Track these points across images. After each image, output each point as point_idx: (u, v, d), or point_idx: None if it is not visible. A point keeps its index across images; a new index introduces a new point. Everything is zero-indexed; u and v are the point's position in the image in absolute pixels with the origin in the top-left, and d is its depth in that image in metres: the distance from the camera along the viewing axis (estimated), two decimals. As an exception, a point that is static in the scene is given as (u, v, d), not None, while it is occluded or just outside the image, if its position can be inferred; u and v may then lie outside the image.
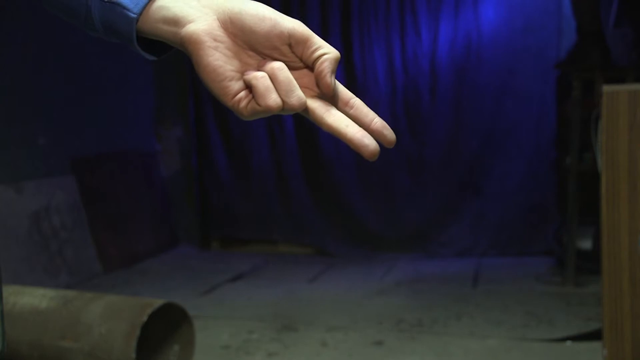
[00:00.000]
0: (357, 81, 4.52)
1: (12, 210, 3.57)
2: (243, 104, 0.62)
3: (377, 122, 0.63)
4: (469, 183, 4.43)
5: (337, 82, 0.63)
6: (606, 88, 1.60)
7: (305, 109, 0.63)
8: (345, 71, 4.52)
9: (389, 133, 0.63)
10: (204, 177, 4.92)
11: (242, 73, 0.62)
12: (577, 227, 3.63)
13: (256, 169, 4.76)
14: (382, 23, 4.46)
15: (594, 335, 2.73)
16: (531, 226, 4.32)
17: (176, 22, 0.62)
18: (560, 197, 4.15)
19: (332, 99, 0.64)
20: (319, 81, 0.62)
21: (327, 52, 0.62)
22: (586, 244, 3.78)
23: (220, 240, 4.93)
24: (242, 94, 0.62)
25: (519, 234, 4.34)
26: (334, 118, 0.63)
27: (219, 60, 0.61)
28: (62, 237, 3.85)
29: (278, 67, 0.61)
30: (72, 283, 3.77)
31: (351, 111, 0.64)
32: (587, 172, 3.41)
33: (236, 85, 0.62)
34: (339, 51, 0.65)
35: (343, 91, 0.64)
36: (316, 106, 0.63)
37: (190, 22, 0.62)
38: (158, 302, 2.24)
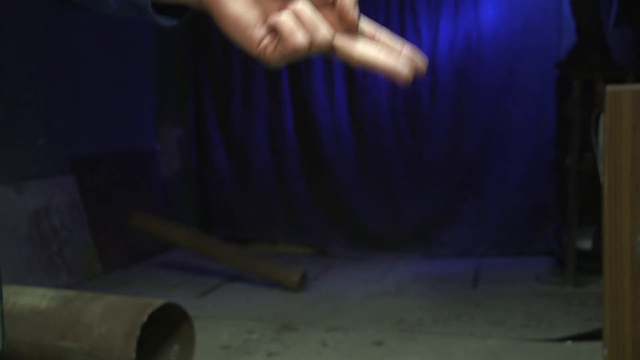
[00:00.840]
0: (357, 81, 4.52)
1: (12, 210, 3.57)
2: (270, 50, 0.60)
3: (406, 50, 0.62)
4: (469, 183, 4.43)
5: (361, 16, 0.62)
6: (609, 88, 1.60)
7: (332, 46, 0.62)
8: (346, 71, 4.51)
9: (419, 60, 0.62)
10: (204, 176, 4.92)
11: (265, 19, 0.61)
12: (577, 227, 3.62)
13: (256, 168, 4.75)
14: (382, 23, 4.43)
15: (594, 335, 2.73)
16: (531, 226, 4.32)
17: None
18: (560, 197, 4.15)
19: (357, 35, 0.63)
20: (342, 17, 0.61)
21: None
22: (586, 244, 3.78)
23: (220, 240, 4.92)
24: (268, 39, 0.61)
25: (519, 234, 4.33)
26: (362, 49, 0.62)
27: (239, 9, 0.60)
28: (62, 237, 3.85)
29: (301, 6, 0.60)
30: (72, 283, 3.77)
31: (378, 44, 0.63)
32: (587, 172, 3.41)
33: (260, 31, 0.60)
34: None
35: (368, 25, 0.64)
36: (342, 42, 0.62)
37: None
38: (158, 302, 2.24)
